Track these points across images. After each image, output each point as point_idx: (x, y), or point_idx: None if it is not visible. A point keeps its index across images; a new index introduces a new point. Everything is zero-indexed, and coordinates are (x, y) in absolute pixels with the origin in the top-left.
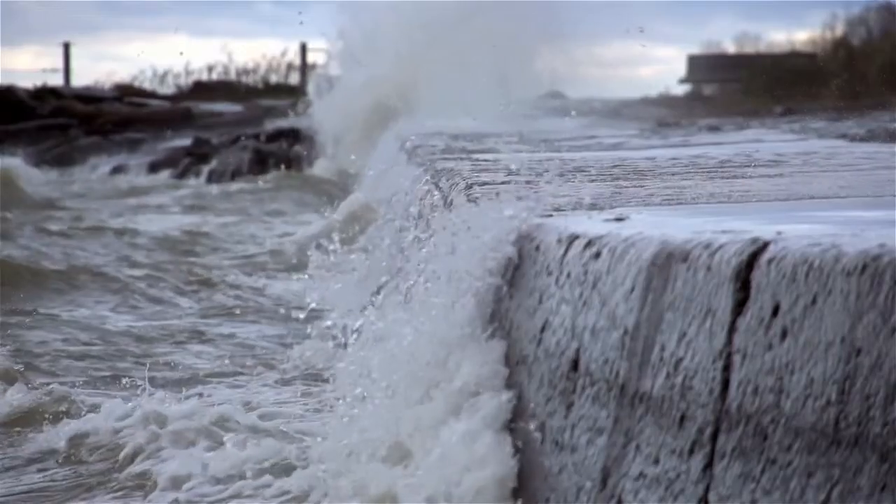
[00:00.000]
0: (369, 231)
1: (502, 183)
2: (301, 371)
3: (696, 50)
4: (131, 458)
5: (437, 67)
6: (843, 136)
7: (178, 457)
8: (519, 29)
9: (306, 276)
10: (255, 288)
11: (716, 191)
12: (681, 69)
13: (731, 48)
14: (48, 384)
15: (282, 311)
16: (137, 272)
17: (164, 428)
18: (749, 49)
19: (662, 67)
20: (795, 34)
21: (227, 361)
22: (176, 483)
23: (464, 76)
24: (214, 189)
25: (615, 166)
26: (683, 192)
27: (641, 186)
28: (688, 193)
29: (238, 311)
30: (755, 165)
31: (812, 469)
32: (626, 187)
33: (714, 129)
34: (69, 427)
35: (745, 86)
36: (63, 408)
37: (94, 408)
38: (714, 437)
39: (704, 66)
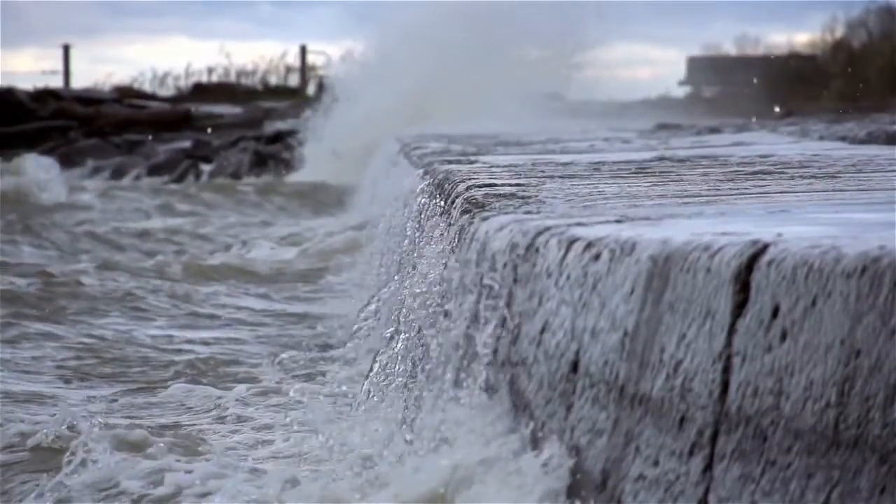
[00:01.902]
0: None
1: (504, 185)
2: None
3: (696, 52)
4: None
5: (446, 88)
6: (844, 139)
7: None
8: (525, 35)
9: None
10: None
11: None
12: (681, 71)
13: (731, 50)
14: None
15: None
16: (118, 276)
17: (112, 429)
18: (749, 51)
19: (662, 69)
20: (795, 36)
21: (204, 368)
22: (97, 487)
23: (472, 96)
24: (199, 192)
25: (623, 166)
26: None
27: (653, 187)
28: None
29: (218, 319)
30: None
31: (812, 471)
32: (639, 187)
33: (714, 130)
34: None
35: (745, 88)
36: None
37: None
38: (714, 438)
39: (704, 68)
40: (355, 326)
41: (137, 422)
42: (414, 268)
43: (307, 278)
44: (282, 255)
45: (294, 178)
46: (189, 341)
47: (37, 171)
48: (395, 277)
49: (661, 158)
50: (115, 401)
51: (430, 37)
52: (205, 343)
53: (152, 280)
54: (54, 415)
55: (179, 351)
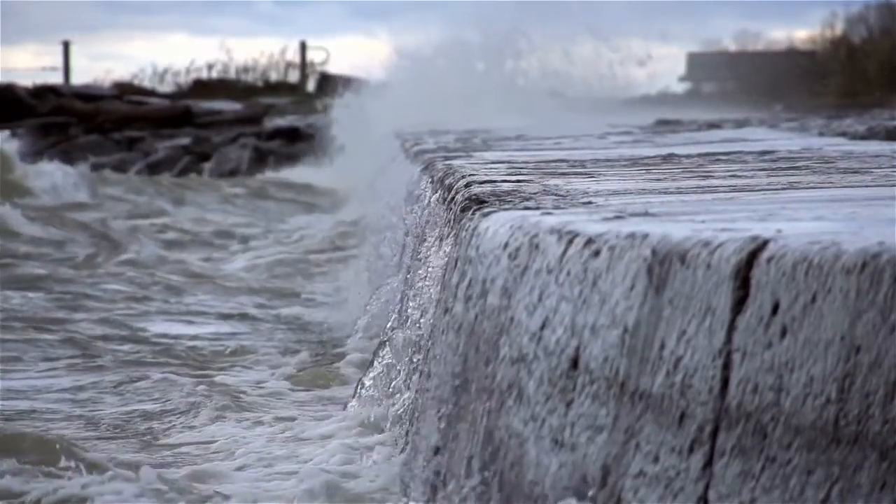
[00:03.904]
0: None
1: (503, 181)
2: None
3: (695, 48)
4: None
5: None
6: (843, 134)
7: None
8: (528, 34)
9: None
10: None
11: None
12: (680, 67)
13: (730, 46)
14: None
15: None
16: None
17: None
18: (749, 47)
19: (662, 65)
20: (795, 32)
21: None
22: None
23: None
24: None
25: (625, 162)
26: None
27: (658, 181)
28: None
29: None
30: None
31: (812, 467)
32: (641, 183)
33: (714, 126)
34: None
35: (745, 84)
36: None
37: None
38: (714, 435)
39: (704, 65)
40: (355, 327)
41: (109, 411)
42: (414, 268)
43: (282, 292)
44: (269, 256)
45: (295, 177)
46: (184, 336)
47: (63, 185)
48: (393, 277)
49: (670, 155)
50: (90, 389)
51: (445, 69)
52: (194, 338)
53: (146, 279)
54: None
55: (168, 346)
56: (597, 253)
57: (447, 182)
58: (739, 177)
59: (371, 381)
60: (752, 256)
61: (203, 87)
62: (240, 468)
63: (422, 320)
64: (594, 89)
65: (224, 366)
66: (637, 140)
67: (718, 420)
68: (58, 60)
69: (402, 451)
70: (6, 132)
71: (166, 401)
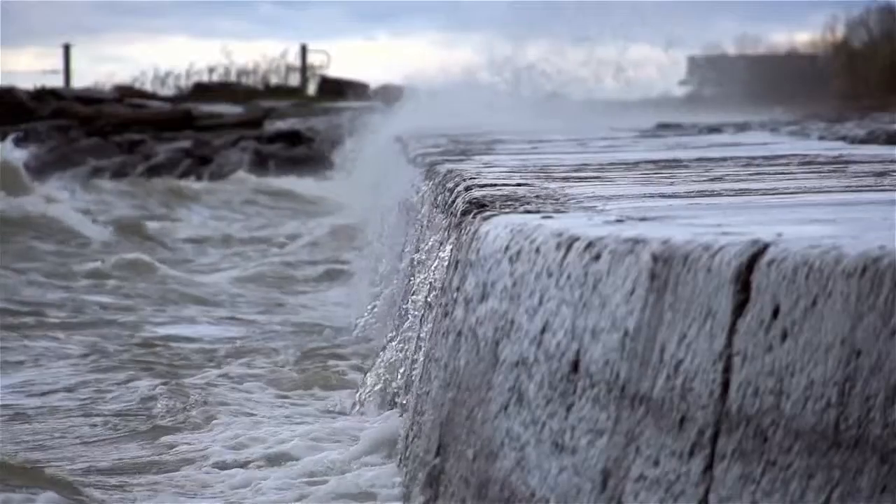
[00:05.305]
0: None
1: (504, 184)
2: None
3: (696, 51)
4: None
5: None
6: (844, 138)
7: None
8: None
9: None
10: None
11: None
12: (681, 71)
13: (731, 50)
14: None
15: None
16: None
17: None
18: (749, 51)
19: (662, 69)
20: (796, 36)
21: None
22: None
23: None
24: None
25: (630, 165)
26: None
27: (659, 184)
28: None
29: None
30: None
31: (812, 471)
32: (638, 187)
33: (715, 129)
34: None
35: (746, 87)
36: None
37: None
38: (714, 438)
39: (705, 68)
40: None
41: (115, 408)
42: (415, 271)
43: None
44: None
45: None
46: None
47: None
48: (394, 281)
49: (672, 159)
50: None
51: (453, 100)
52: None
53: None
54: None
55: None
56: (597, 257)
57: (447, 186)
58: (740, 180)
59: (371, 384)
60: (753, 260)
61: (204, 91)
62: (241, 468)
63: (422, 324)
64: (594, 92)
65: (224, 367)
66: (638, 143)
67: (719, 424)
68: (58, 63)
69: (403, 453)
70: (8, 139)
71: (166, 402)
